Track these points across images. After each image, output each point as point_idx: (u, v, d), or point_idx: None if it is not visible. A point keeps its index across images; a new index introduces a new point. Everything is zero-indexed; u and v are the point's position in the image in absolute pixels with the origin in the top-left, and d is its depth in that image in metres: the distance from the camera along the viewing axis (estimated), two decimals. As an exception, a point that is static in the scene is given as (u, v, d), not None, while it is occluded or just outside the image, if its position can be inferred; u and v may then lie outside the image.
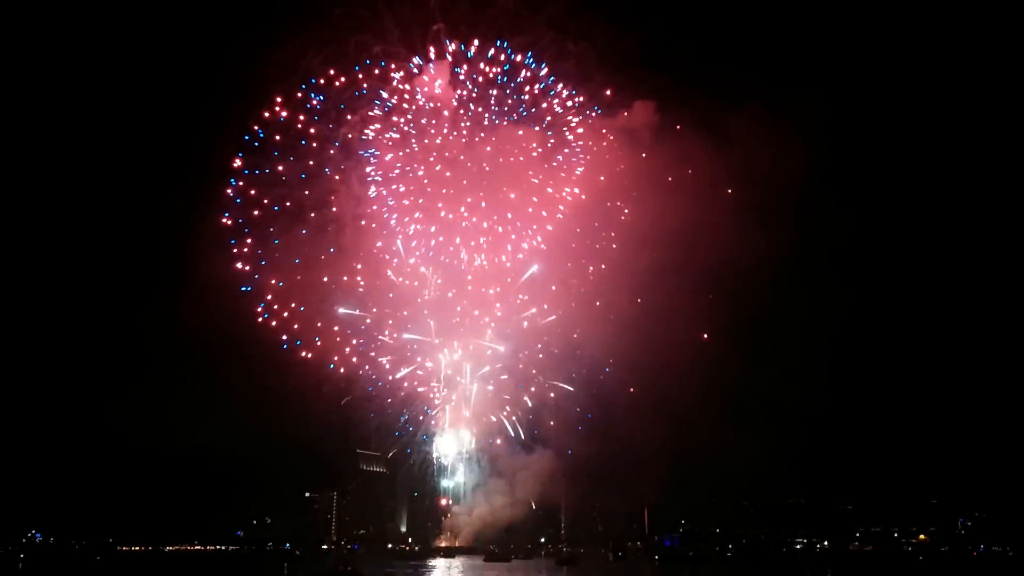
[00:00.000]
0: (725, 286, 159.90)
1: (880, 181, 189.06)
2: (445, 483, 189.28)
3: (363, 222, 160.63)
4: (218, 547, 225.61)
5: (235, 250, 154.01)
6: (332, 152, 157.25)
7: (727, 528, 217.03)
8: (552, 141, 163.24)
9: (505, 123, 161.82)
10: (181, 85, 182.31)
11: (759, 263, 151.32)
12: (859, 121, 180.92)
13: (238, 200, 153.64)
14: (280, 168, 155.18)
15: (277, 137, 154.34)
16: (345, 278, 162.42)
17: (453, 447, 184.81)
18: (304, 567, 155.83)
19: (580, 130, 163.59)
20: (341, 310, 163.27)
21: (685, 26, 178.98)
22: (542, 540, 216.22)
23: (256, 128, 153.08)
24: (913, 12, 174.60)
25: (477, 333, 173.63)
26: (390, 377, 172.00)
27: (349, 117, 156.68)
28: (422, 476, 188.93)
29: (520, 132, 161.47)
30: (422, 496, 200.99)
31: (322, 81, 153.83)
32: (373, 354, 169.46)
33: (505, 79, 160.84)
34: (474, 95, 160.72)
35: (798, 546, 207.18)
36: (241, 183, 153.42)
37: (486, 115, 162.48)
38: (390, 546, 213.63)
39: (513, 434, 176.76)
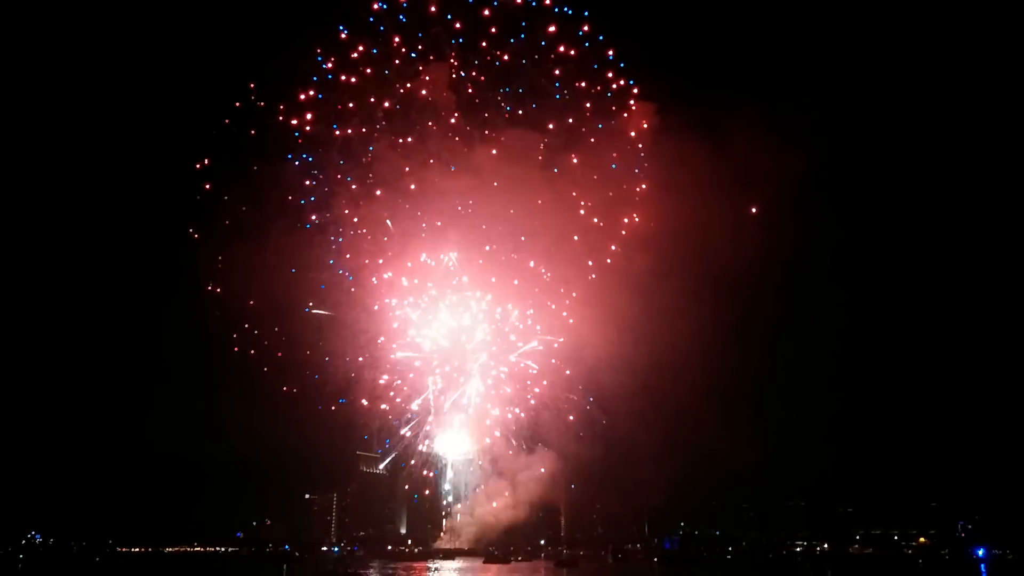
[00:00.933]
0: (726, 288, 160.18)
1: (881, 182, 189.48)
2: (445, 485, 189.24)
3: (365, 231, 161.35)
4: (218, 548, 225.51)
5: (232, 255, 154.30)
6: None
7: (727, 531, 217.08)
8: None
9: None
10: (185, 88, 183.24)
11: (761, 265, 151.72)
12: (859, 121, 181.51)
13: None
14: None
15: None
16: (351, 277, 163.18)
17: (453, 449, 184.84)
18: (303, 569, 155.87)
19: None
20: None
21: (684, 26, 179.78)
22: (542, 542, 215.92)
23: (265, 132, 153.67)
24: (913, 13, 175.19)
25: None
26: (393, 377, 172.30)
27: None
28: (422, 478, 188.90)
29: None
30: (422, 498, 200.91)
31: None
32: (377, 355, 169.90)
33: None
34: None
35: (798, 549, 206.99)
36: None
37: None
38: (390, 548, 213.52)
39: (514, 435, 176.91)
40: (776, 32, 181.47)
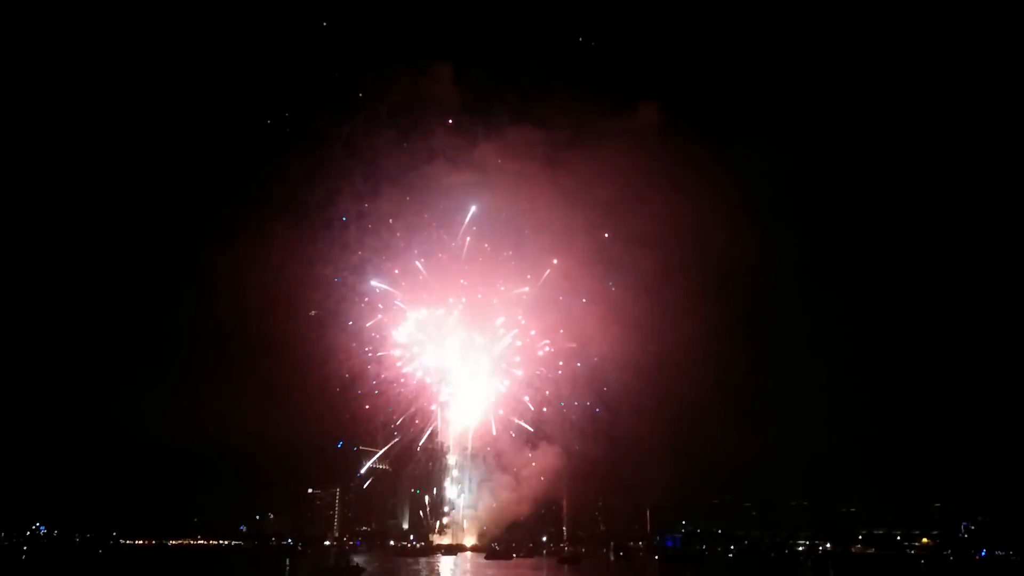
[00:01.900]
0: (730, 287, 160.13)
1: (882, 183, 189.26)
2: (448, 480, 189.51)
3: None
4: (221, 542, 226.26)
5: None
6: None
7: (729, 529, 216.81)
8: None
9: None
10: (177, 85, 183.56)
11: (764, 265, 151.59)
12: (859, 121, 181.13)
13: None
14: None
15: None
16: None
17: (456, 444, 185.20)
18: (306, 563, 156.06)
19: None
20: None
21: (684, 26, 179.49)
22: (544, 539, 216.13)
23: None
24: (914, 13, 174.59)
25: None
26: (395, 373, 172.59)
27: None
28: (425, 473, 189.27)
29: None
30: (424, 493, 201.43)
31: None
32: (380, 352, 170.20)
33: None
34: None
35: (800, 548, 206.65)
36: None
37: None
38: (392, 543, 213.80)
39: (517, 431, 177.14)
40: (776, 32, 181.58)
